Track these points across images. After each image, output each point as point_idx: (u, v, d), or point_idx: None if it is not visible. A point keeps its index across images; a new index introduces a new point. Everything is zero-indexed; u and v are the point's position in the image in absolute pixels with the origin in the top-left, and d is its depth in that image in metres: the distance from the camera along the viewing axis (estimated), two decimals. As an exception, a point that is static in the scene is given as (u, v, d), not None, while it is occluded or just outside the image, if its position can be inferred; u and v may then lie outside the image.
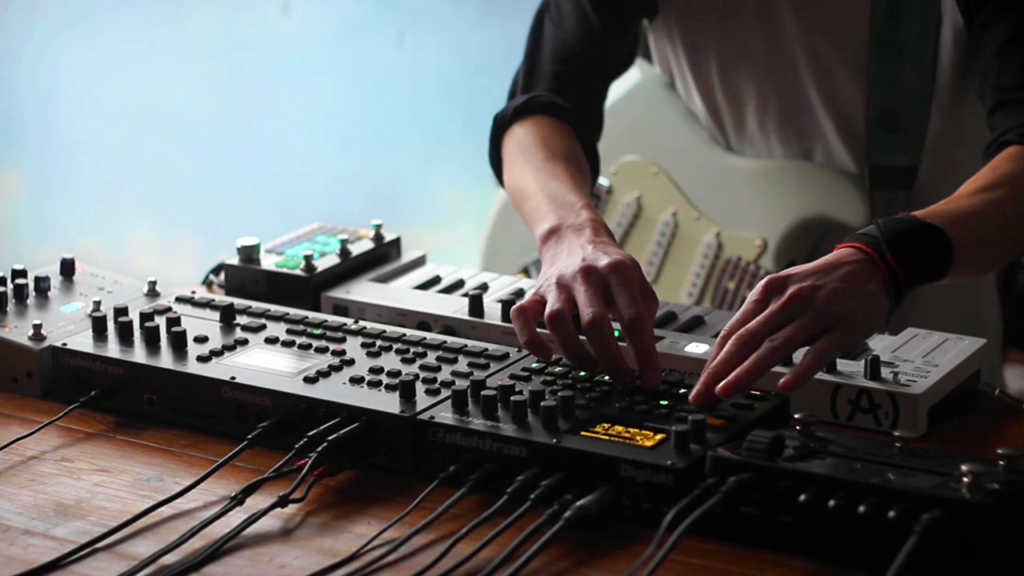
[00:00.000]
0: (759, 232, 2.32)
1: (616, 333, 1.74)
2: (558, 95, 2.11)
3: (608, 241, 1.76)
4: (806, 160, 2.26)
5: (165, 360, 1.71)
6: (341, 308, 1.92)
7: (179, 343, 1.73)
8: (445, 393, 1.61)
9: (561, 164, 1.98)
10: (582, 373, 1.64)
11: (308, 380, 1.65)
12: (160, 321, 1.78)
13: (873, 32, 2.13)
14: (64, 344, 1.75)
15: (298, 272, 1.94)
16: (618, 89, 2.43)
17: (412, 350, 1.72)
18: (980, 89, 1.98)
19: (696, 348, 1.74)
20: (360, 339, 1.76)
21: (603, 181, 2.48)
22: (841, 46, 2.15)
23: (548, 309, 1.66)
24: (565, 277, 1.69)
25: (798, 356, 1.67)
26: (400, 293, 1.93)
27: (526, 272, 2.58)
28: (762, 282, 1.61)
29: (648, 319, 1.65)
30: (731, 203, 2.35)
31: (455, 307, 1.88)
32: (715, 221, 2.37)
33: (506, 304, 1.83)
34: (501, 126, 2.10)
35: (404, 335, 1.76)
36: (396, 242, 2.05)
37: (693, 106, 2.33)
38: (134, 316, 1.79)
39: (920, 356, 1.71)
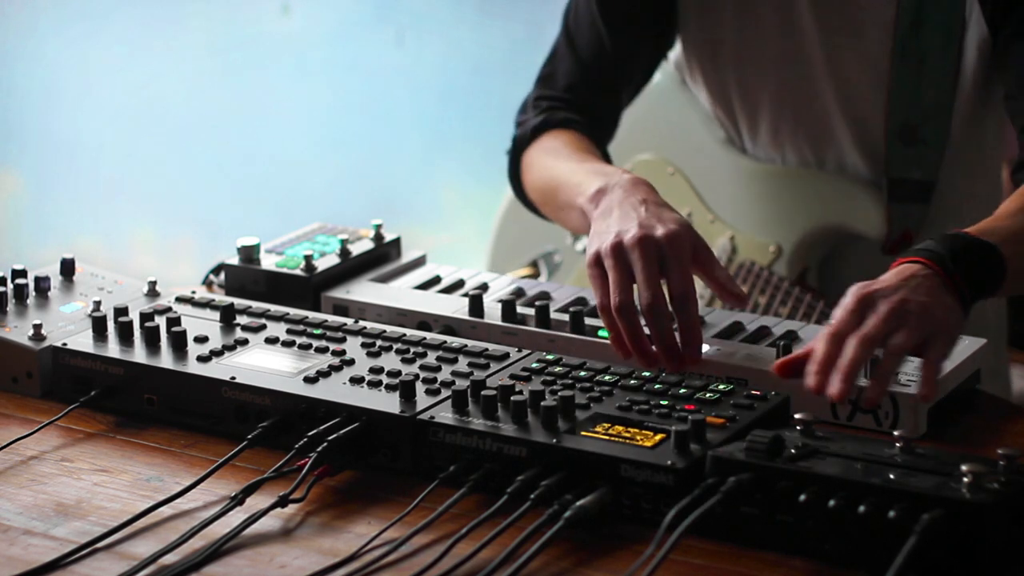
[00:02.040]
0: (774, 237, 2.31)
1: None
2: (573, 108, 2.15)
3: (660, 201, 1.79)
4: (820, 168, 2.25)
5: (165, 360, 1.71)
6: (341, 308, 1.91)
7: (179, 343, 1.73)
8: (445, 393, 1.61)
9: (593, 156, 2.04)
10: (583, 373, 1.64)
11: (308, 380, 1.65)
12: (160, 321, 1.78)
13: (896, 40, 2.11)
14: (64, 344, 1.75)
15: (298, 272, 1.94)
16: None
17: (412, 350, 1.72)
18: (1011, 105, 1.96)
19: (696, 348, 1.74)
20: (360, 339, 1.76)
21: None
22: (862, 53, 2.13)
23: (615, 298, 1.69)
24: (624, 246, 1.71)
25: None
26: (400, 293, 1.93)
27: (534, 266, 2.57)
28: (854, 294, 1.58)
29: (694, 295, 1.69)
30: (747, 207, 2.34)
31: (455, 307, 1.88)
32: (730, 225, 2.36)
33: (506, 304, 1.83)
34: (521, 145, 2.17)
35: (404, 335, 1.76)
36: (396, 242, 2.05)
37: (707, 107, 2.33)
38: (134, 316, 1.79)
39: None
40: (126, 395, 1.72)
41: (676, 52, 2.34)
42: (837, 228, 2.27)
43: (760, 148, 2.29)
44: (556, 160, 2.05)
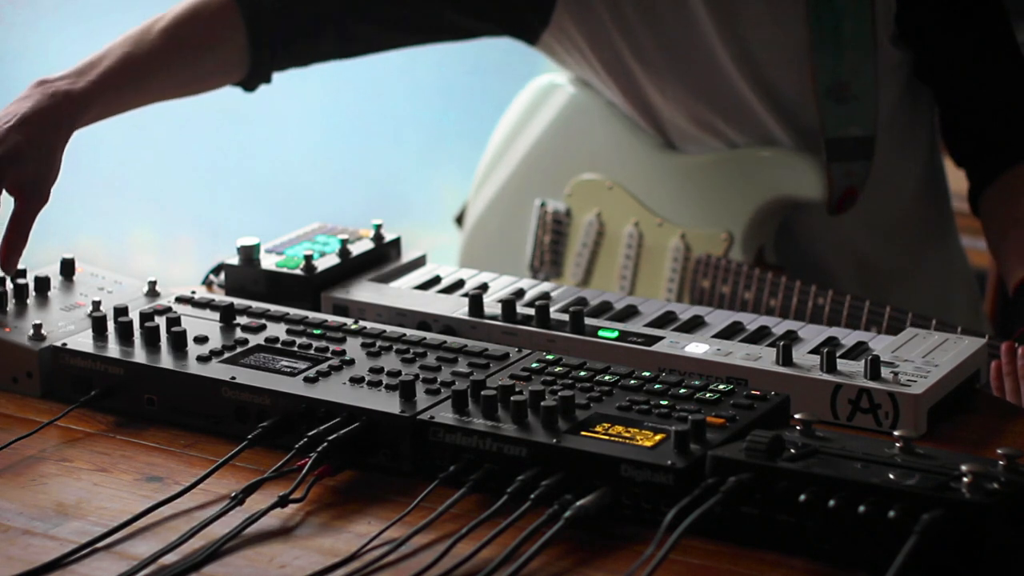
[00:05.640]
0: (723, 226, 2.33)
1: (613, 333, 1.76)
2: None
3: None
4: (750, 147, 2.27)
5: (165, 360, 1.71)
6: (341, 308, 1.91)
7: (179, 343, 1.73)
8: (445, 393, 1.61)
9: (143, 33, 2.25)
10: (583, 373, 1.64)
11: (308, 380, 1.65)
12: (160, 321, 1.78)
13: (809, 9, 2.14)
14: (64, 344, 1.75)
15: (298, 272, 1.94)
16: (556, 110, 2.45)
17: (412, 350, 1.72)
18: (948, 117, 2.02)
19: (696, 348, 1.74)
20: (360, 339, 1.76)
21: (560, 205, 2.49)
22: (776, 22, 2.16)
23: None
24: None
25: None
26: (400, 293, 1.93)
27: None
28: None
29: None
30: (690, 203, 2.36)
31: (455, 307, 1.88)
32: (678, 224, 2.37)
33: (506, 304, 1.84)
34: None
35: (404, 335, 1.76)
36: (396, 242, 2.05)
37: (630, 114, 2.35)
38: (134, 316, 1.79)
39: (920, 356, 1.71)
40: (126, 395, 1.72)
41: (592, 67, 2.34)
42: (780, 200, 2.29)
43: (688, 142, 2.31)
44: (154, 23, 2.25)
